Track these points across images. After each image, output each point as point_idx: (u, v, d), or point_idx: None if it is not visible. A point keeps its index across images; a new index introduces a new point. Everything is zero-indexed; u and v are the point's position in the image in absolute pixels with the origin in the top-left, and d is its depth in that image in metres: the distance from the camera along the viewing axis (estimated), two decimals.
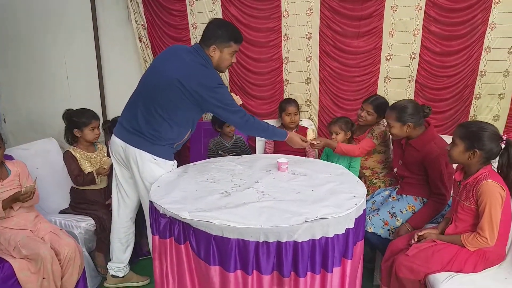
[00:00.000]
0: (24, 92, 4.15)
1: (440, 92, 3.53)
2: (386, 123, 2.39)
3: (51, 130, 3.67)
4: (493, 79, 3.45)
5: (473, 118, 3.58)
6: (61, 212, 2.60)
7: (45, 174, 2.50)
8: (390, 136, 2.61)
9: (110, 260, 2.45)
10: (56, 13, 3.78)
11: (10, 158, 2.33)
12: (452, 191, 2.05)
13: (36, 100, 4.11)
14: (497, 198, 1.72)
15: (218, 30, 2.09)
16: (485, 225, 1.74)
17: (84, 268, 2.24)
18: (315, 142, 2.50)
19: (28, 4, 3.83)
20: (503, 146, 1.79)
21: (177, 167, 2.26)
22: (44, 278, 1.96)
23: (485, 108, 3.54)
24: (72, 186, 2.63)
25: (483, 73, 3.45)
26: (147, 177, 2.13)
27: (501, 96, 3.50)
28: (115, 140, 2.20)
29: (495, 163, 1.85)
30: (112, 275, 2.44)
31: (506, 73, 3.42)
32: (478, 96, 3.52)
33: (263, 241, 1.55)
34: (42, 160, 2.65)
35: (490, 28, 3.32)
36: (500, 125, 3.54)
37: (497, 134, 1.78)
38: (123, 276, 2.45)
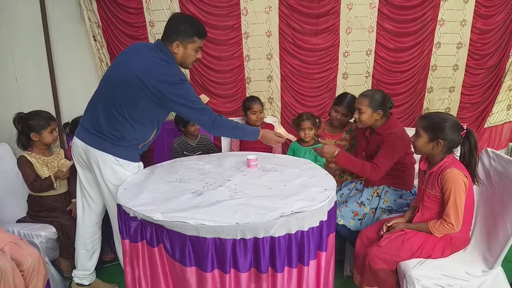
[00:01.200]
0: None
1: (396, 86, 3.68)
2: (356, 111, 2.39)
3: (2, 135, 3.43)
4: (444, 73, 3.65)
5: (426, 111, 3.77)
6: (19, 221, 2.45)
7: None
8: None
9: (75, 268, 2.33)
10: (4, 13, 3.52)
11: None
12: (417, 180, 2.13)
13: None
14: (461, 185, 1.81)
15: (180, 26, 2.02)
16: (451, 212, 1.82)
17: (48, 278, 2.11)
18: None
19: None
20: (463, 135, 1.89)
21: (146, 168, 2.19)
22: None
23: (437, 101, 3.74)
24: (29, 194, 2.47)
25: (434, 67, 3.63)
26: (110, 180, 2.05)
27: (452, 89, 3.70)
28: (76, 142, 2.11)
29: (457, 152, 1.95)
30: (77, 283, 2.32)
31: (456, 67, 3.63)
32: (430, 89, 3.71)
33: (240, 239, 1.54)
34: None
35: (439, 24, 3.50)
36: None
37: (458, 124, 1.88)
38: (89, 284, 2.34)
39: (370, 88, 3.70)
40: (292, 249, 1.60)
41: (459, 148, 1.93)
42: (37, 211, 2.44)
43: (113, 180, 2.04)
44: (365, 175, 2.33)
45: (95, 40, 3.50)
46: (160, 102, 1.98)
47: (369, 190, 2.40)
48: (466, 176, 1.84)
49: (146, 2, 3.41)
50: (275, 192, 1.83)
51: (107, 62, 3.55)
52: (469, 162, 1.90)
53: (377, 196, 2.37)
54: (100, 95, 2.07)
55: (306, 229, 1.62)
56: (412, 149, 2.07)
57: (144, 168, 2.20)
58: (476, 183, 1.93)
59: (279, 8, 3.46)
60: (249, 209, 1.63)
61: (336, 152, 2.29)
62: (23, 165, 2.37)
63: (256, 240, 1.55)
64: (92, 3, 3.41)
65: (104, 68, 3.56)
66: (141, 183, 1.98)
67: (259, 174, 2.10)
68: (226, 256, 1.54)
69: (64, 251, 2.37)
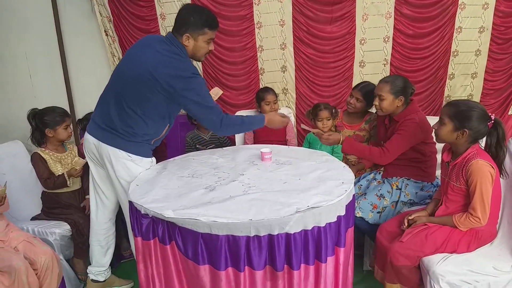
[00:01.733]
0: None
1: (415, 74, 3.55)
2: (375, 96, 2.30)
3: (16, 132, 3.45)
4: (466, 59, 3.50)
5: (447, 98, 3.63)
6: (33, 218, 2.45)
7: (13, 179, 2.32)
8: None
9: (90, 265, 2.32)
10: (12, 8, 3.53)
11: None
12: (440, 172, 2.03)
13: (0, 102, 3.86)
14: (487, 176, 1.71)
15: (190, 17, 1.94)
16: (477, 205, 1.73)
17: (63, 276, 2.10)
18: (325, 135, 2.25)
19: None
20: (490, 125, 1.78)
21: (158, 163, 2.16)
22: None
23: (459, 88, 3.59)
24: (43, 191, 2.47)
25: (455, 53, 3.49)
26: (123, 176, 2.02)
27: (474, 75, 3.55)
28: (88, 138, 2.08)
29: (482, 143, 1.84)
30: (92, 280, 2.31)
31: (478, 53, 3.47)
32: (451, 76, 3.56)
33: (254, 236, 1.48)
34: (8, 165, 2.47)
35: (460, 8, 3.35)
36: None
37: (486, 113, 1.77)
38: (104, 281, 2.32)
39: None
40: (309, 245, 1.54)
41: (484, 139, 1.82)
42: (51, 208, 2.43)
43: (126, 176, 2.01)
44: (374, 160, 2.25)
45: (106, 34, 3.49)
46: (172, 97, 1.92)
47: (389, 182, 2.30)
48: (492, 167, 1.74)
49: None
50: (290, 187, 1.76)
51: (119, 56, 3.53)
52: (496, 154, 1.79)
53: (397, 189, 2.27)
54: (111, 90, 2.03)
55: (323, 224, 1.55)
56: (434, 138, 1.97)
57: (156, 163, 2.16)
58: (502, 175, 1.82)
59: None
60: (263, 205, 1.57)
61: (342, 139, 2.21)
62: (37, 162, 2.36)
63: (270, 237, 1.49)
64: None
65: (116, 62, 3.55)
66: (153, 179, 1.94)
67: (274, 168, 2.03)
68: (240, 253, 1.48)
69: (78, 250, 2.37)
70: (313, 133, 2.36)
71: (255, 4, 3.38)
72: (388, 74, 3.58)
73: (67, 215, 2.36)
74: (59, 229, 2.29)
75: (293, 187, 1.75)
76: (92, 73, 3.64)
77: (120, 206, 2.20)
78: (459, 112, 1.77)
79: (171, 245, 1.60)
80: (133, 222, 1.73)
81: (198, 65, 3.48)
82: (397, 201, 2.25)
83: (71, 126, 2.49)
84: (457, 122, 1.77)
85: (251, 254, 1.49)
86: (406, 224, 1.93)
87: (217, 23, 2.01)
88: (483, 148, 1.83)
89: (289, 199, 1.61)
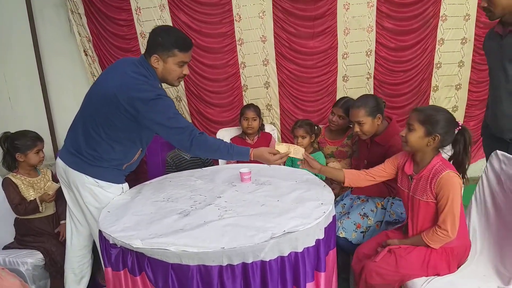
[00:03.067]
0: None
1: (399, 87, 3.53)
2: (352, 124, 2.26)
3: None
4: (449, 71, 3.49)
5: None
6: (5, 247, 2.33)
7: None
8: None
9: None
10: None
11: None
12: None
13: None
14: (458, 189, 1.66)
15: (158, 37, 1.85)
16: (447, 218, 1.66)
17: None
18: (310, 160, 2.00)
19: None
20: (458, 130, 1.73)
21: (134, 185, 2.08)
22: None
23: (444, 100, 3.57)
24: (16, 217, 2.37)
25: (438, 65, 3.48)
26: (91, 202, 1.94)
27: (458, 86, 3.54)
28: (57, 162, 2.01)
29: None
30: None
31: (461, 64, 3.47)
32: (435, 88, 3.55)
33: (226, 265, 1.40)
34: None
35: (441, 20, 3.35)
36: (459, 115, 3.59)
37: (454, 119, 1.73)
38: None
39: (372, 90, 3.56)
40: (286, 272, 1.47)
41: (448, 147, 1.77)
42: (23, 235, 2.33)
43: (94, 203, 1.93)
44: (383, 196, 2.21)
45: (86, 54, 3.44)
46: (136, 120, 1.83)
47: (373, 201, 2.24)
48: (460, 178, 1.69)
49: (136, 13, 3.34)
50: (268, 210, 1.69)
51: None
52: (461, 162, 1.73)
53: (382, 208, 2.21)
54: (80, 113, 1.97)
55: (300, 249, 1.49)
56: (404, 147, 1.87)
57: (131, 187, 2.09)
58: (465, 183, 1.77)
59: (273, 12, 3.35)
60: (238, 231, 1.50)
61: (320, 167, 2.03)
62: (8, 187, 2.27)
63: (244, 265, 1.41)
64: (81, 18, 3.35)
65: None
66: (126, 205, 1.86)
67: (253, 189, 1.97)
68: (213, 284, 1.41)
69: (53, 279, 2.26)
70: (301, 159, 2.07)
71: (236, 21, 3.36)
72: (372, 87, 3.56)
73: (40, 243, 2.26)
74: (31, 259, 2.18)
75: (271, 210, 1.69)
76: (72, 93, 3.57)
77: None
78: (429, 116, 1.71)
79: (141, 276, 1.52)
80: (102, 252, 1.65)
81: (181, 84, 3.43)
82: (382, 221, 2.18)
83: (43, 150, 2.41)
84: (428, 126, 1.70)
85: (225, 284, 1.41)
86: (379, 249, 1.86)
87: (188, 45, 1.91)
88: (447, 158, 1.78)
89: (265, 223, 1.55)
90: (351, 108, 2.25)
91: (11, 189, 2.27)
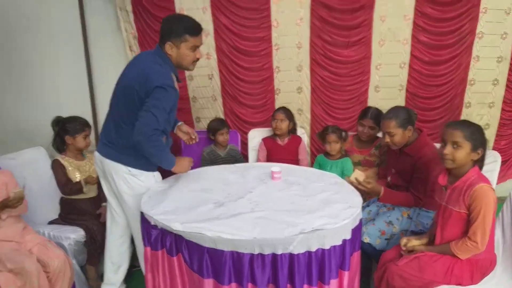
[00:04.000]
0: (14, 101, 4.05)
1: (431, 101, 3.55)
2: (383, 134, 2.31)
3: (40, 139, 3.58)
4: (483, 88, 3.49)
5: None
6: (50, 222, 2.53)
7: (33, 184, 2.43)
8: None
9: (102, 274, 2.35)
10: (45, 22, 3.71)
11: None
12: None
13: (26, 108, 4.02)
14: (491, 203, 1.68)
15: (170, 25, 1.95)
16: (478, 230, 1.69)
17: (74, 281, 2.16)
18: (366, 184, 2.12)
19: (19, 14, 3.78)
20: None
21: (170, 175, 2.20)
22: None
23: (475, 117, 3.57)
24: (61, 196, 2.56)
25: (472, 82, 3.48)
26: (125, 190, 2.06)
27: (491, 105, 3.53)
28: (95, 154, 2.15)
29: None
30: None
31: (495, 82, 3.47)
32: (468, 105, 3.56)
33: (257, 253, 1.51)
34: (30, 170, 2.57)
35: (478, 37, 3.36)
36: (490, 134, 3.58)
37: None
38: None
39: (404, 102, 3.60)
40: (312, 267, 1.56)
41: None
42: (67, 213, 2.51)
43: (128, 190, 2.05)
44: (410, 207, 2.28)
45: (131, 50, 3.62)
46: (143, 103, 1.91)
47: (399, 209, 2.30)
48: (494, 192, 1.72)
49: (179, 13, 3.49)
50: (297, 207, 1.79)
51: None
52: None
53: (408, 217, 2.26)
54: (110, 106, 2.12)
55: (327, 247, 1.58)
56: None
57: (164, 177, 2.20)
58: None
59: (310, 20, 3.44)
60: (269, 224, 1.61)
61: (382, 193, 2.19)
62: (56, 168, 2.46)
63: (274, 256, 1.52)
64: (128, 15, 3.53)
65: None
66: (165, 191, 2.01)
67: (282, 187, 2.07)
68: (244, 270, 1.52)
69: (91, 256, 2.42)
70: (349, 181, 2.14)
71: (273, 26, 3.47)
72: (404, 99, 3.60)
73: (82, 221, 2.44)
74: (74, 234, 2.36)
75: (300, 208, 1.78)
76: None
77: None
78: (474, 132, 1.73)
79: (177, 257, 1.65)
80: (143, 232, 1.79)
81: (217, 83, 3.58)
82: (407, 230, 2.24)
83: (90, 137, 2.59)
84: (473, 142, 1.72)
85: (255, 272, 1.52)
86: (405, 250, 1.91)
87: (198, 30, 1.99)
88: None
89: (295, 220, 1.64)
90: (382, 119, 2.30)
91: (59, 170, 2.46)
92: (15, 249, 2.01)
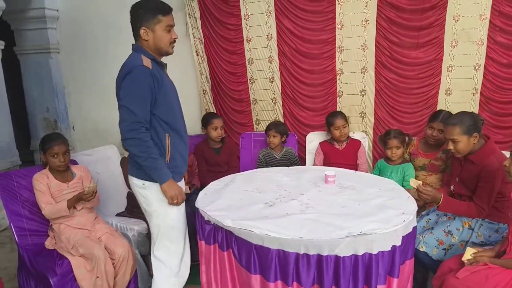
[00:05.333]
0: (91, 102, 4.49)
1: (507, 106, 3.27)
2: (446, 141, 2.18)
3: (113, 138, 3.91)
4: None
5: None
6: (118, 215, 2.76)
7: (105, 179, 2.66)
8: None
9: None
10: (117, 27, 4.04)
11: (74, 163, 2.53)
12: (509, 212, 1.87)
13: (102, 109, 4.42)
14: None
15: (138, 11, 1.86)
16: None
17: (136, 270, 2.34)
18: (422, 190, 2.04)
19: (94, 20, 4.16)
20: None
21: (227, 176, 2.29)
22: (97, 277, 2.08)
23: None
24: (128, 191, 2.77)
25: None
26: (142, 205, 2.01)
27: None
28: None
29: None
30: None
31: None
32: None
33: (303, 253, 1.53)
34: (103, 166, 2.82)
35: None
36: None
37: None
38: None
39: (477, 107, 3.36)
40: (359, 271, 1.55)
41: None
42: (133, 206, 2.72)
43: (145, 205, 1.99)
44: (472, 217, 2.15)
45: (197, 55, 3.81)
46: None
47: (460, 219, 2.17)
48: None
49: (244, 19, 3.61)
50: (348, 211, 1.78)
51: (207, 75, 3.84)
52: None
53: (469, 228, 2.13)
54: None
55: (375, 252, 1.55)
56: None
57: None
58: None
59: (376, 21, 3.36)
60: (317, 225, 1.62)
61: (441, 200, 2.07)
62: (125, 165, 2.67)
63: (319, 257, 1.53)
64: (196, 21, 3.73)
65: (203, 80, 3.86)
66: (220, 190, 2.10)
67: (335, 191, 2.06)
68: (289, 268, 1.55)
69: None
70: (414, 187, 2.09)
71: (338, 28, 3.44)
72: (477, 103, 3.36)
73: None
74: (138, 227, 2.54)
75: (351, 212, 1.77)
76: (181, 89, 3.95)
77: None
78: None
79: (228, 252, 1.73)
80: (198, 227, 1.89)
81: (278, 86, 3.63)
82: (468, 241, 2.11)
83: None
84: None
85: (300, 271, 1.55)
86: (467, 258, 1.80)
87: (169, 8, 1.89)
88: None
89: (344, 223, 1.64)
90: (445, 125, 2.18)
91: (125, 167, 2.66)
92: (87, 236, 2.23)
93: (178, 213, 1.99)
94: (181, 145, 1.98)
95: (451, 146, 2.13)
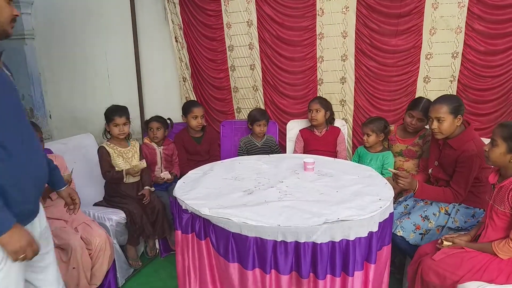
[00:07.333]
0: (69, 89, 4.38)
1: (485, 93, 3.33)
2: (430, 121, 2.20)
3: (93, 126, 3.82)
4: None
5: None
6: (95, 204, 2.71)
7: (81, 168, 2.61)
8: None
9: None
10: (97, 13, 3.95)
11: (49, 152, 2.46)
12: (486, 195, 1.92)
13: (80, 96, 4.32)
14: None
15: None
16: None
17: (114, 259, 2.31)
18: (400, 174, 2.06)
19: (71, 5, 4.04)
20: None
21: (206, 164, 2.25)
22: (74, 268, 2.05)
23: None
24: (105, 180, 2.72)
25: None
26: None
27: None
28: None
29: None
30: None
31: None
32: None
33: (281, 241, 1.53)
34: (79, 155, 2.77)
35: None
36: None
37: None
38: None
39: (455, 94, 3.41)
40: (336, 257, 1.56)
41: None
42: (111, 196, 2.68)
43: None
44: (448, 202, 2.19)
45: (176, 41, 3.74)
46: None
47: (437, 205, 2.21)
48: None
49: (224, 5, 3.54)
50: (326, 198, 1.79)
51: (186, 62, 3.77)
52: None
53: (445, 213, 2.17)
54: None
55: (352, 238, 1.56)
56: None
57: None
58: None
59: (356, 8, 3.35)
60: (294, 213, 1.62)
61: (417, 187, 2.10)
62: (102, 154, 2.60)
63: (297, 244, 1.53)
64: (176, 7, 3.65)
65: (183, 67, 3.80)
66: (199, 178, 2.08)
67: (314, 178, 2.07)
68: (267, 256, 1.55)
69: (131, 237, 2.57)
70: (393, 173, 2.10)
71: (318, 15, 3.42)
72: (455, 91, 3.40)
73: (124, 204, 2.58)
74: (116, 216, 2.51)
75: (328, 199, 1.78)
76: (161, 75, 3.93)
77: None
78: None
79: (206, 241, 1.71)
80: (175, 216, 1.87)
81: (258, 73, 3.60)
82: (444, 226, 2.15)
83: (126, 125, 2.62)
84: (511, 143, 1.67)
85: (278, 258, 1.55)
86: (442, 242, 1.85)
87: None
88: None
89: (321, 210, 1.64)
90: (432, 104, 2.19)
91: (103, 156, 2.60)
92: (62, 227, 2.19)
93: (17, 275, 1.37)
94: (13, 168, 1.31)
95: (435, 126, 2.14)
